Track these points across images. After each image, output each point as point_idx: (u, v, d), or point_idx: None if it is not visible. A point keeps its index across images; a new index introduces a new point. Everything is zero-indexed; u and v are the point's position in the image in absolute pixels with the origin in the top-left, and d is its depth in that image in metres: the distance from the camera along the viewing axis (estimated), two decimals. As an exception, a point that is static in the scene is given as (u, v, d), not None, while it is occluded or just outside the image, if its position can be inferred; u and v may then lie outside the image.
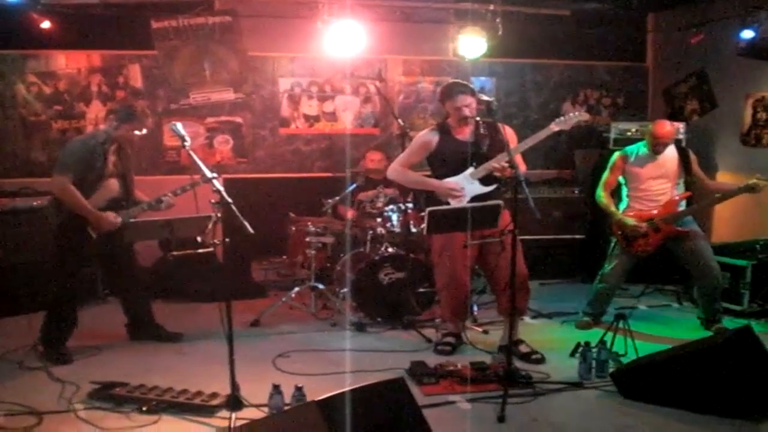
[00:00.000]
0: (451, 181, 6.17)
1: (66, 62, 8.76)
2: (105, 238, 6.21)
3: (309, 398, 4.66)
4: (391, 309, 7.31)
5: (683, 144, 8.59)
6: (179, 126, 5.24)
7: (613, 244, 7.20)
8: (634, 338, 6.07)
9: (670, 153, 7.01)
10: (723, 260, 7.44)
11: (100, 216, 6.11)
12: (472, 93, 6.19)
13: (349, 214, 8.11)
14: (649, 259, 7.20)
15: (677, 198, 6.94)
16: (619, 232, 7.05)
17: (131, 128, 6.29)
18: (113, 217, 6.17)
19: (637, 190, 7.07)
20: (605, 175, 7.21)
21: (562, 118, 6.03)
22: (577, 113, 6.05)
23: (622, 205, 7.16)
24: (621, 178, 7.17)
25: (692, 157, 7.08)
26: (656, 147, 6.91)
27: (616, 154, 7.21)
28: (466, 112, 6.11)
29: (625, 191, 7.19)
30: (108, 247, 6.35)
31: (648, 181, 7.00)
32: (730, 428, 4.79)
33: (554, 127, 5.98)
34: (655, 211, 6.94)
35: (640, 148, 7.08)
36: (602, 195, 7.13)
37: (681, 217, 6.91)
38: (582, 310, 7.37)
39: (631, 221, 6.92)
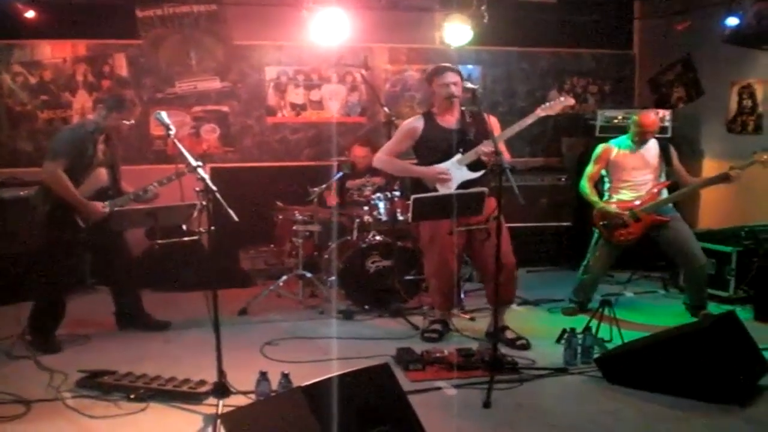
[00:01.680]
0: (438, 166, 6.19)
1: (51, 52, 8.72)
2: (93, 227, 6.21)
3: (295, 385, 4.68)
4: (379, 297, 7.34)
5: (669, 131, 8.69)
6: (164, 115, 5.24)
7: (595, 236, 7.25)
8: (619, 324, 6.12)
9: (653, 145, 7.07)
10: (709, 247, 7.49)
11: (89, 205, 6.12)
12: (459, 74, 6.23)
13: (332, 200, 8.10)
14: (635, 246, 7.23)
15: (658, 187, 6.97)
16: (601, 223, 7.09)
17: (120, 117, 6.30)
18: (102, 206, 6.18)
19: (620, 181, 7.12)
20: (589, 166, 7.26)
21: (547, 103, 6.07)
22: (562, 98, 6.08)
23: (605, 197, 7.21)
24: (603, 171, 7.21)
25: (672, 151, 7.13)
26: (641, 136, 6.96)
27: (601, 146, 7.25)
28: (453, 89, 6.12)
29: (607, 184, 7.24)
30: (96, 236, 6.35)
31: (632, 172, 7.04)
32: (714, 413, 4.82)
33: (540, 112, 6.01)
34: (637, 202, 6.98)
35: (624, 141, 7.13)
36: (586, 186, 7.19)
37: (661, 206, 6.95)
38: (568, 298, 7.41)
39: (613, 209, 6.97)
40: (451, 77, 6.16)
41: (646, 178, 7.02)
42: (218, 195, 4.86)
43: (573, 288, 7.38)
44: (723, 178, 6.69)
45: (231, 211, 4.88)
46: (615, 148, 7.14)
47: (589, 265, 7.26)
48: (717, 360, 4.97)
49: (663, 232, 6.96)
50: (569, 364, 5.70)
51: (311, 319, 7.23)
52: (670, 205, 7.06)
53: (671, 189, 7.12)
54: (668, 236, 6.95)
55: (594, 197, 7.14)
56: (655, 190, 6.95)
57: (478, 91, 5.70)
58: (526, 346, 6.15)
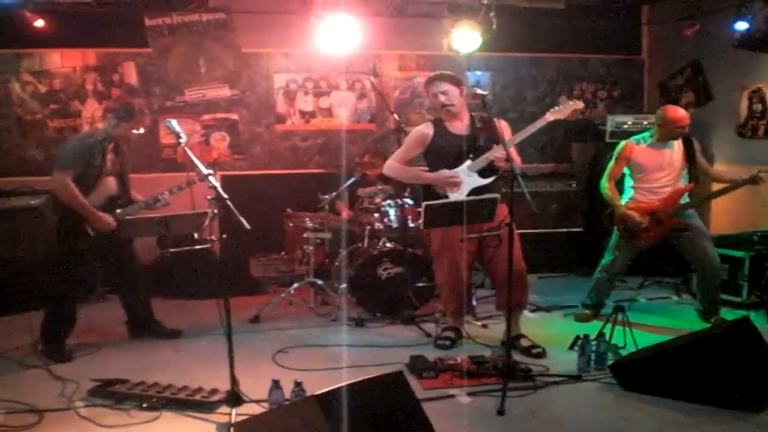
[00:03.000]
0: (448, 171, 6.16)
1: (61, 61, 8.76)
2: (103, 236, 6.21)
3: (308, 393, 4.67)
4: (390, 304, 7.33)
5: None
6: (174, 123, 5.23)
7: (614, 236, 7.19)
8: (633, 330, 6.08)
9: (675, 144, 6.95)
10: (721, 252, 7.43)
11: (99, 215, 6.10)
12: (453, 81, 6.21)
13: (345, 213, 8.09)
14: (648, 252, 7.19)
15: (680, 190, 6.91)
16: (622, 225, 7.02)
17: (130, 127, 6.29)
18: (110, 219, 6.17)
19: (641, 181, 7.01)
20: (611, 164, 7.14)
21: (556, 107, 6.03)
22: (571, 102, 6.05)
23: (626, 196, 7.13)
24: (626, 169, 7.13)
25: (696, 146, 7.01)
26: (669, 134, 6.85)
27: (623, 143, 7.10)
28: (443, 99, 6.14)
29: (629, 182, 7.14)
30: (106, 245, 6.35)
31: (653, 172, 6.95)
32: (729, 419, 4.79)
33: (550, 116, 5.98)
34: (658, 203, 6.92)
35: (646, 138, 7.03)
36: (606, 186, 7.07)
37: (683, 210, 6.88)
38: (581, 302, 7.39)
39: (635, 218, 6.89)
40: (440, 86, 6.16)
41: (667, 179, 6.91)
42: (230, 203, 4.84)
43: (589, 289, 7.35)
44: (752, 181, 6.61)
45: (243, 219, 4.85)
46: (637, 145, 7.03)
47: (606, 265, 7.21)
48: (731, 366, 4.94)
49: (682, 234, 6.91)
50: (583, 370, 5.66)
51: (323, 326, 7.21)
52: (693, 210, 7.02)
53: (692, 192, 7.06)
54: (687, 239, 6.90)
55: (616, 200, 7.02)
56: (678, 193, 6.88)
57: (487, 97, 5.68)
58: (542, 354, 6.10)
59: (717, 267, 6.91)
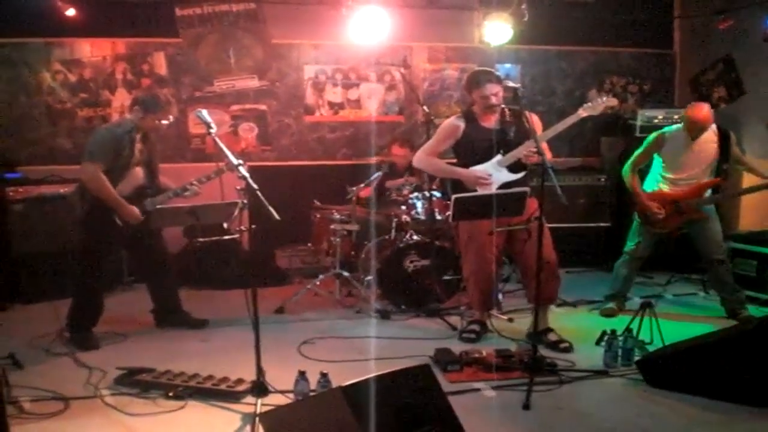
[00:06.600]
0: (478, 169, 6.13)
1: (91, 50, 8.79)
2: (131, 225, 6.23)
3: (334, 385, 4.68)
4: (416, 296, 7.33)
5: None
6: (205, 113, 5.22)
7: (635, 222, 7.19)
8: (660, 326, 6.04)
9: (709, 137, 6.88)
10: (750, 248, 7.41)
11: (127, 207, 6.13)
12: (499, 80, 6.13)
13: (364, 192, 8.02)
14: (676, 247, 7.15)
15: (706, 184, 6.87)
16: (641, 210, 7.02)
17: (156, 117, 6.29)
18: (138, 212, 6.20)
19: (668, 171, 7.00)
20: (638, 152, 7.13)
21: (589, 104, 5.95)
22: (604, 98, 5.97)
23: (652, 183, 7.13)
24: (656, 157, 7.09)
25: (732, 138, 6.98)
26: (693, 132, 6.81)
27: (655, 134, 7.06)
28: (494, 100, 6.06)
29: (658, 169, 7.12)
30: (135, 234, 6.38)
31: (682, 165, 6.92)
32: (757, 417, 4.75)
33: (582, 113, 5.91)
34: (682, 193, 6.88)
35: (678, 131, 6.99)
36: (629, 172, 7.09)
37: (705, 204, 6.86)
38: (604, 295, 7.36)
39: (653, 207, 6.89)
40: (491, 89, 6.07)
41: (694, 172, 6.89)
42: (260, 193, 4.83)
43: (611, 280, 7.34)
44: None
45: (272, 210, 4.83)
46: (669, 137, 6.99)
47: (630, 250, 7.21)
48: (760, 363, 4.89)
49: (694, 225, 6.92)
50: (609, 366, 5.64)
51: (348, 318, 7.22)
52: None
53: (717, 187, 7.03)
54: (697, 229, 6.92)
55: (636, 188, 7.05)
56: (702, 186, 6.86)
57: (519, 90, 5.62)
58: (569, 349, 6.07)
59: (718, 254, 6.91)
